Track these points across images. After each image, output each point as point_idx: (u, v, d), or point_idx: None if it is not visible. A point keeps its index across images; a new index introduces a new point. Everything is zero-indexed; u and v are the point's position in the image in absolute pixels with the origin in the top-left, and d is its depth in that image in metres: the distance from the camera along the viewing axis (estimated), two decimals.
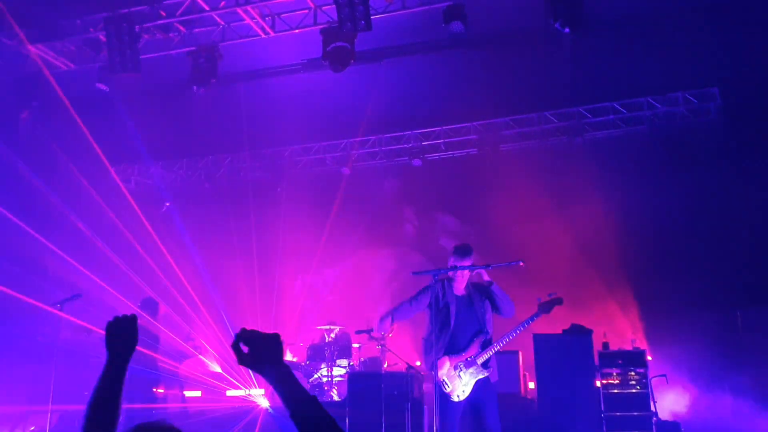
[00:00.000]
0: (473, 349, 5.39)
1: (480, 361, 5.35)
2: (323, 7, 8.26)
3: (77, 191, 9.51)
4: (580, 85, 9.61)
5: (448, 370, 5.39)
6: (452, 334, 5.48)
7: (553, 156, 9.85)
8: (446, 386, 5.36)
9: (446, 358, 5.43)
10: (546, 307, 5.53)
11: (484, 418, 5.30)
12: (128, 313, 2.21)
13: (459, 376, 5.35)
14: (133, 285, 9.09)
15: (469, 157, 10.52)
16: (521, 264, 5.51)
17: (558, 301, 5.56)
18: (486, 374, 5.35)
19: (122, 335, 2.17)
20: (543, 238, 8.61)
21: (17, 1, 7.83)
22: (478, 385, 5.33)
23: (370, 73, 9.34)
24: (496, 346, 5.39)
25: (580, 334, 7.81)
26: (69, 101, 8.88)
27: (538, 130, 10.27)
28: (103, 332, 2.21)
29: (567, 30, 8.06)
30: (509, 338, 5.46)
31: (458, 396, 5.33)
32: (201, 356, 9.17)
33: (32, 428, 7.92)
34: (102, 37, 8.14)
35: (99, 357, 2.22)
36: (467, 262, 5.46)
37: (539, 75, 9.40)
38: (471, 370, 5.35)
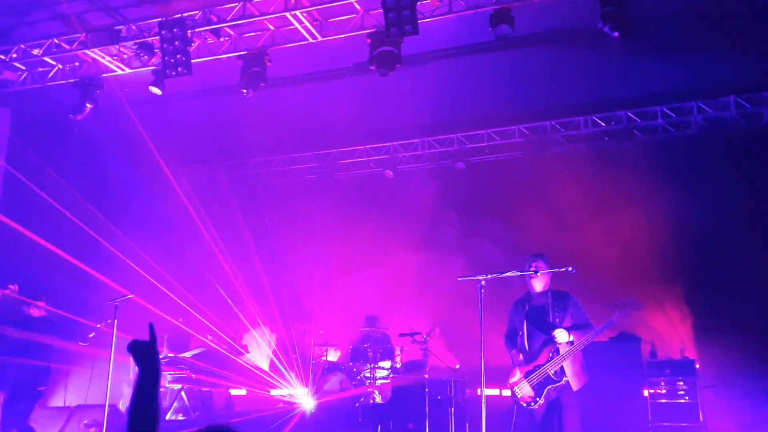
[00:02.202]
0: (543, 357, 5.36)
1: (550, 370, 5.30)
2: (370, 12, 8.30)
3: (133, 192, 9.78)
4: (628, 89, 9.47)
5: (519, 378, 5.39)
6: (523, 341, 5.50)
7: (601, 160, 9.69)
8: (518, 394, 5.36)
9: (518, 367, 5.45)
10: (625, 312, 5.37)
11: (560, 424, 5.28)
12: (146, 338, 2.31)
13: (529, 384, 5.34)
14: (185, 284, 9.30)
15: (514, 161, 10.45)
16: (570, 270, 5.47)
17: (638, 307, 5.39)
18: (559, 382, 5.29)
19: (144, 354, 2.25)
20: (590, 243, 8.49)
21: (77, 7, 8.09)
22: (554, 393, 5.29)
23: (415, 77, 9.35)
24: (568, 355, 5.31)
25: (627, 342, 7.71)
26: (122, 104, 9.15)
27: (585, 134, 10.13)
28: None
29: (616, 34, 7.94)
30: (581, 346, 5.36)
31: (532, 404, 5.31)
32: (248, 354, 9.32)
33: (85, 422, 8.15)
34: (155, 42, 8.34)
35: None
36: (539, 266, 5.43)
37: (586, 78, 9.28)
38: (540, 378, 5.32)
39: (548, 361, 5.31)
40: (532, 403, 5.32)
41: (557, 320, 5.40)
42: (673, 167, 9.25)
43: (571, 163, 9.74)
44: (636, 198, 9.07)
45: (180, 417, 8.96)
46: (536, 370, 5.33)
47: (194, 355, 9.39)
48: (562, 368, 5.30)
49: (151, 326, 2.33)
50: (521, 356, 5.49)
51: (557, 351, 5.32)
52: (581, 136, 10.15)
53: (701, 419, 7.37)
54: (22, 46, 8.88)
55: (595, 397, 7.31)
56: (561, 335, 5.28)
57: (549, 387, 5.28)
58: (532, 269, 5.47)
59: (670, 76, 9.06)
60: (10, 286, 7.17)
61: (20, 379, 7.22)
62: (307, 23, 8.26)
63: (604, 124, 10.04)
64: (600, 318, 5.48)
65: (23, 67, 9.21)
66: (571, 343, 5.29)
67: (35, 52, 8.85)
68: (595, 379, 7.35)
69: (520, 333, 5.56)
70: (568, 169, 9.48)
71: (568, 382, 5.29)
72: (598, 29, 7.84)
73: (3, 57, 8.88)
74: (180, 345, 9.98)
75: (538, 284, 5.56)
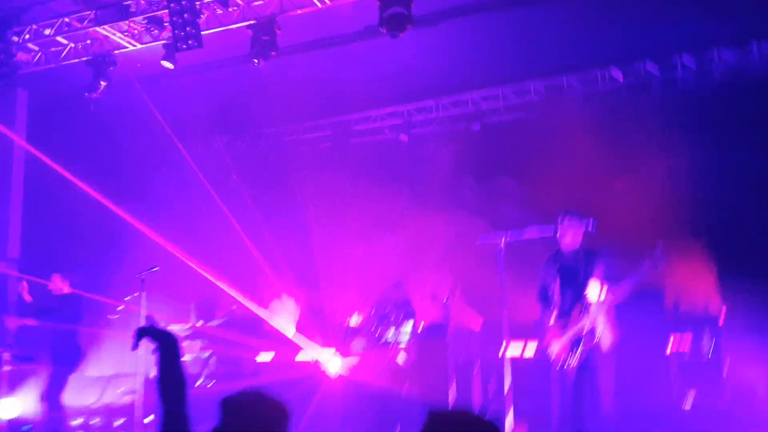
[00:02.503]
0: (575, 316, 5.35)
1: (582, 329, 5.29)
2: None
3: (151, 166, 9.88)
4: (648, 38, 9.20)
5: (553, 337, 5.40)
6: (555, 300, 5.51)
7: (620, 115, 9.51)
8: (552, 354, 5.38)
9: (549, 326, 5.45)
10: (655, 262, 5.29)
11: (592, 382, 5.32)
12: (152, 324, 2.51)
13: (562, 344, 5.34)
14: (206, 257, 9.43)
15: (531, 120, 10.29)
16: (590, 229, 5.45)
17: (667, 258, 5.32)
18: (592, 341, 5.29)
19: (152, 335, 2.39)
20: (612, 199, 8.38)
21: None
22: (588, 351, 5.30)
23: (427, 37, 9.20)
24: (599, 313, 5.28)
25: (650, 296, 7.64)
26: (135, 80, 9.18)
27: (603, 89, 9.91)
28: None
29: None
30: (613, 303, 5.32)
31: (566, 364, 5.32)
32: (273, 322, 9.48)
33: (121, 389, 8.43)
34: (165, 15, 8.31)
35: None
36: (569, 227, 5.39)
37: (605, 28, 9.03)
38: (573, 338, 5.31)
39: (580, 320, 5.30)
40: (566, 362, 5.33)
41: (588, 278, 5.37)
42: (694, 119, 9.04)
43: (589, 119, 9.57)
44: (657, 152, 8.90)
45: (211, 383, 9.21)
46: (569, 330, 5.32)
47: (221, 323, 9.60)
48: (594, 327, 5.29)
49: (149, 317, 2.53)
50: (553, 316, 5.47)
51: (588, 309, 5.30)
52: (599, 91, 9.93)
53: (725, 372, 7.35)
54: (34, 26, 8.90)
55: (619, 353, 7.36)
56: (592, 293, 5.25)
57: (581, 346, 5.29)
58: (558, 228, 5.45)
59: (690, 24, 8.78)
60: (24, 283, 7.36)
61: (56, 354, 7.49)
62: None
63: (621, 78, 9.81)
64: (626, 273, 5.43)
65: (36, 48, 9.25)
66: (604, 300, 5.25)
67: (47, 32, 8.87)
68: (618, 334, 7.41)
69: (552, 292, 5.54)
70: (586, 126, 9.32)
71: (599, 341, 5.29)
72: None
73: (16, 38, 8.92)
74: (207, 314, 10.19)
75: (569, 242, 5.51)
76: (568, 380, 5.35)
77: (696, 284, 8.43)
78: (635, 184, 8.91)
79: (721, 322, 7.58)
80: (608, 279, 5.36)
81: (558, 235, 5.48)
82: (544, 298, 5.65)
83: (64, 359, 7.51)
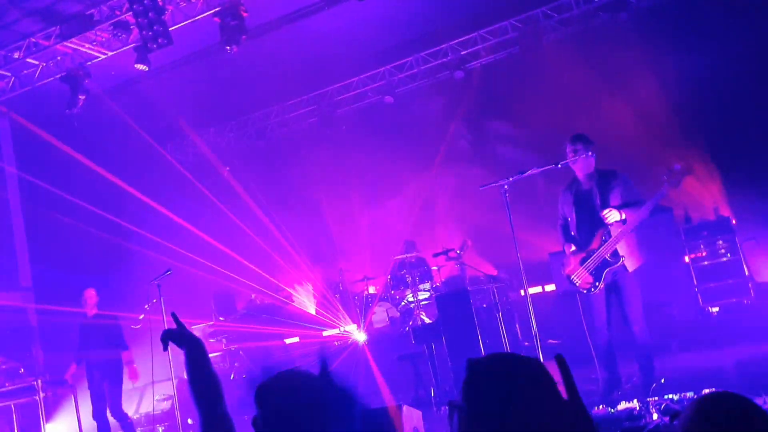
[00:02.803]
0: (596, 241, 5.34)
1: (605, 253, 5.28)
2: None
3: (141, 172, 9.85)
4: None
5: (574, 265, 5.40)
6: (576, 228, 5.50)
7: (600, 37, 9.39)
8: (576, 282, 5.39)
9: (571, 255, 5.45)
10: (674, 181, 5.21)
11: (622, 305, 5.34)
12: (177, 324, 2.40)
13: (586, 270, 5.35)
14: (212, 252, 9.47)
15: (512, 57, 10.17)
16: (591, 154, 5.41)
17: (687, 171, 5.22)
18: (617, 264, 5.29)
19: (179, 337, 2.36)
20: (605, 123, 8.33)
21: (43, 1, 7.93)
22: (612, 274, 5.31)
23: None
24: (621, 236, 5.26)
25: (660, 213, 7.65)
26: (112, 88, 9.08)
27: (578, 14, 9.75)
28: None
29: None
30: (634, 225, 5.28)
31: (592, 289, 5.34)
32: (293, 304, 9.55)
33: (157, 397, 8.53)
34: (129, 18, 8.17)
35: None
36: (579, 151, 5.35)
37: None
38: (597, 262, 5.32)
39: (602, 245, 5.28)
40: (592, 289, 5.34)
41: (606, 200, 5.34)
42: (674, 28, 8.92)
43: (570, 47, 9.46)
44: (642, 68, 8.82)
45: (243, 375, 9.31)
46: (591, 255, 5.32)
47: (242, 316, 9.66)
48: (616, 250, 5.28)
49: (173, 315, 2.44)
50: (573, 245, 5.46)
51: (609, 233, 5.29)
52: (575, 17, 9.77)
53: (747, 273, 7.40)
54: (2, 51, 8.79)
55: (643, 272, 7.39)
56: (611, 215, 5.21)
57: (606, 270, 5.29)
58: (568, 154, 5.40)
59: None
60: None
61: (110, 369, 7.59)
62: None
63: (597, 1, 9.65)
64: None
65: (9, 73, 9.15)
66: (624, 221, 5.23)
67: (16, 55, 8.77)
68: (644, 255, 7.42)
69: (571, 221, 5.53)
70: (568, 54, 9.22)
71: (624, 263, 5.28)
72: None
73: None
74: (227, 308, 10.26)
75: (581, 167, 5.46)
76: (598, 304, 5.37)
77: (703, 191, 8.44)
78: (627, 104, 8.85)
79: (733, 222, 7.59)
80: (627, 199, 5.32)
81: (569, 163, 5.40)
82: (565, 228, 5.62)
83: (115, 374, 7.61)
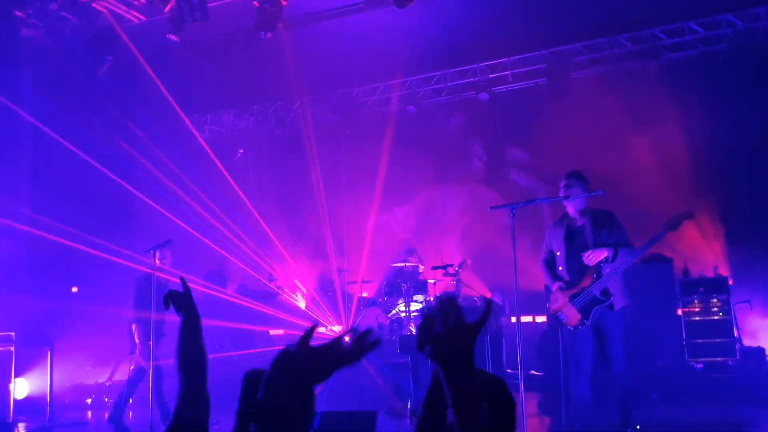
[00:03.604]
0: (587, 278, 5.32)
1: (596, 291, 5.28)
2: None
3: (155, 142, 9.86)
4: (653, 5, 9.13)
5: (563, 302, 5.38)
6: (564, 264, 5.48)
7: (627, 81, 9.48)
8: (564, 318, 5.36)
9: (559, 291, 5.42)
10: (672, 224, 5.19)
11: (605, 345, 5.32)
12: (180, 288, 2.32)
13: (575, 306, 5.32)
14: (212, 230, 9.48)
15: (539, 87, 10.25)
16: (601, 194, 5.44)
17: (687, 216, 5.22)
18: (606, 302, 5.29)
19: (182, 303, 2.29)
20: (619, 166, 8.40)
21: None
22: (599, 312, 5.30)
23: (432, 7, 9.13)
24: (612, 274, 5.27)
25: (660, 262, 7.72)
26: (142, 54, 9.12)
27: (610, 55, 9.86)
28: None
29: None
30: (627, 265, 5.30)
31: (579, 327, 5.32)
32: (285, 295, 9.56)
33: (132, 366, 8.51)
34: None
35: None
36: (572, 188, 5.37)
37: None
38: (587, 300, 5.31)
39: (593, 283, 5.28)
40: (580, 326, 5.34)
41: (598, 240, 5.35)
42: (703, 83, 9.01)
43: (597, 85, 9.54)
44: (664, 117, 8.90)
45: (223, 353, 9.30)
46: (581, 293, 5.31)
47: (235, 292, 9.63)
48: (607, 288, 5.29)
49: (182, 279, 2.36)
50: (562, 280, 5.45)
51: (600, 271, 5.30)
52: (606, 57, 9.89)
53: (736, 334, 7.43)
54: (38, 2, 8.83)
55: (630, 319, 7.43)
56: (599, 253, 5.24)
57: (595, 308, 5.29)
58: (561, 189, 5.43)
59: None
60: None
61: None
62: None
63: (629, 44, 9.76)
64: (638, 239, 5.43)
65: (41, 24, 9.18)
66: (609, 260, 5.25)
67: (52, 7, 8.80)
68: (630, 300, 7.47)
69: (559, 256, 5.52)
70: (594, 92, 9.30)
71: (611, 303, 5.30)
72: None
73: (20, 14, 8.85)
74: (219, 284, 10.26)
75: (575, 204, 5.48)
76: (584, 344, 5.36)
77: (705, 247, 8.49)
78: (644, 148, 8.92)
79: (730, 282, 7.63)
80: (618, 240, 5.35)
81: (564, 198, 5.43)
82: (550, 264, 5.61)
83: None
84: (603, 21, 9.45)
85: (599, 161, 8.62)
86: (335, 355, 1.58)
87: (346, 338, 1.50)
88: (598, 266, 5.27)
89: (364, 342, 1.49)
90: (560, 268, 5.49)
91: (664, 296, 7.66)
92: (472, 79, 10.59)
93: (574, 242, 5.44)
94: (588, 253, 5.24)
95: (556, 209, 5.90)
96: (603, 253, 5.22)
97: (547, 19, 9.24)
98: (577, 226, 5.47)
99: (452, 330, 1.41)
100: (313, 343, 1.47)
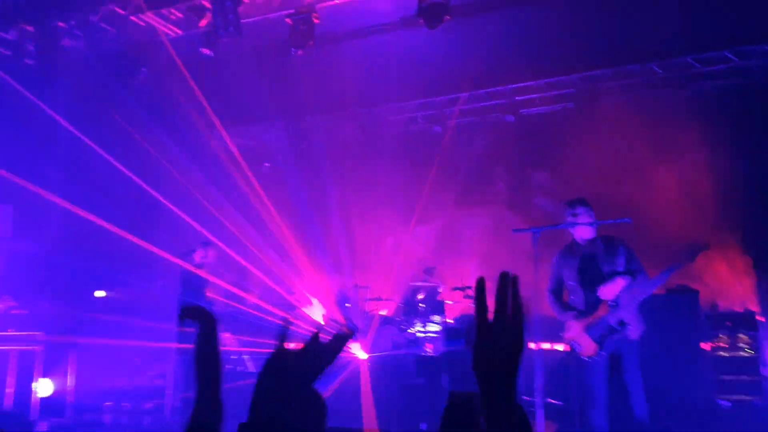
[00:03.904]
0: (603, 308, 5.23)
1: (612, 320, 5.18)
2: None
3: (183, 151, 10.04)
4: (688, 33, 9.04)
5: (578, 331, 5.28)
6: (577, 293, 5.39)
7: (656, 108, 9.38)
8: (579, 348, 5.27)
9: (574, 321, 5.33)
10: (689, 255, 5.16)
11: (622, 375, 5.21)
12: (192, 305, 2.36)
13: (591, 337, 5.23)
14: (236, 239, 9.57)
15: (566, 112, 10.20)
16: (628, 221, 5.35)
17: (703, 247, 5.19)
18: (622, 332, 5.19)
19: (195, 314, 2.30)
20: (647, 193, 8.29)
21: None
22: (615, 342, 5.20)
23: (463, 28, 9.18)
24: (629, 303, 5.19)
25: (686, 294, 7.55)
26: (175, 66, 9.32)
27: (641, 82, 9.78)
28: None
29: None
30: (645, 294, 5.22)
31: (595, 357, 5.23)
32: (303, 309, 9.56)
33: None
34: (206, 3, 8.42)
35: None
36: (581, 216, 5.32)
37: (643, 23, 8.90)
38: (603, 330, 5.21)
39: (610, 312, 5.19)
40: (596, 356, 5.24)
41: (613, 268, 5.26)
42: (733, 115, 8.86)
43: (625, 112, 9.45)
44: (693, 147, 8.77)
45: (238, 368, 9.33)
46: (597, 322, 5.22)
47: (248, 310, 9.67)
48: (623, 318, 5.20)
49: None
50: (575, 309, 5.36)
51: (617, 300, 5.20)
52: (636, 84, 9.80)
53: (763, 372, 7.22)
54: (80, 13, 9.09)
55: (654, 351, 7.25)
56: (615, 285, 5.15)
57: (611, 338, 5.20)
58: (568, 217, 5.36)
59: (735, 18, 8.60)
60: None
61: None
62: None
63: (661, 71, 9.66)
64: (660, 268, 5.33)
65: (81, 34, 9.44)
66: (628, 288, 5.16)
67: (92, 19, 9.05)
68: (653, 332, 7.30)
69: (572, 285, 5.43)
70: (622, 119, 9.22)
71: (629, 333, 5.20)
72: None
73: (63, 24, 9.11)
74: (236, 299, 10.31)
75: (586, 232, 5.40)
76: (599, 376, 5.26)
77: (734, 281, 8.29)
78: (670, 179, 8.79)
79: (759, 318, 7.43)
80: (632, 267, 5.25)
81: (589, 224, 5.35)
82: (558, 294, 5.51)
83: None
84: (635, 47, 9.39)
85: (625, 188, 8.52)
86: (316, 352, 1.59)
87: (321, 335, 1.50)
88: (614, 295, 5.19)
89: (340, 336, 1.50)
90: (572, 298, 5.40)
91: (688, 329, 7.48)
92: (498, 101, 10.57)
93: (588, 271, 5.35)
94: (603, 287, 5.15)
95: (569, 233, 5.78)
96: (619, 284, 5.13)
97: (577, 44, 9.22)
98: (589, 254, 5.39)
99: (509, 320, 1.25)
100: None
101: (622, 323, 5.18)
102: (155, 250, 8.33)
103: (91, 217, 8.47)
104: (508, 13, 9.20)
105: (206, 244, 6.74)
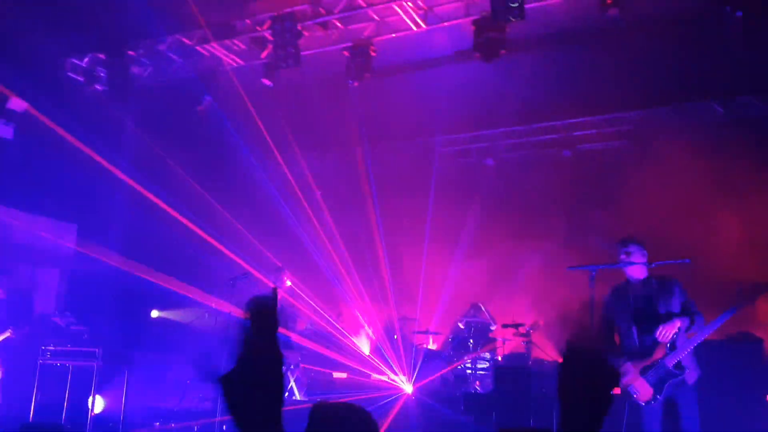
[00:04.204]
0: (659, 351, 5.07)
1: (669, 364, 5.03)
2: None
3: (250, 175, 10.29)
4: (750, 70, 8.81)
5: (634, 375, 5.13)
6: (635, 336, 5.25)
7: (718, 147, 9.12)
8: (635, 393, 5.12)
9: (629, 363, 5.18)
10: (749, 297, 4.98)
11: (679, 423, 5.04)
12: (268, 293, 2.20)
13: (647, 381, 5.08)
14: (293, 266, 9.67)
15: (624, 148, 10.03)
16: (687, 262, 5.20)
17: (764, 288, 5.02)
18: (679, 376, 5.03)
19: (262, 313, 2.09)
20: (708, 234, 8.03)
21: (199, 4, 8.55)
22: (671, 387, 5.05)
23: (519, 62, 9.17)
24: (687, 347, 5.03)
25: (748, 343, 7.23)
26: (235, 95, 9.61)
27: (701, 120, 9.54)
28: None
29: (739, 13, 7.46)
30: (703, 337, 5.05)
31: (651, 402, 5.08)
32: (352, 338, 9.57)
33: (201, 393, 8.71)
34: (267, 35, 8.69)
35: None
36: (633, 254, 5.21)
37: (704, 60, 8.73)
38: (660, 374, 5.06)
39: (666, 355, 5.03)
40: (652, 401, 5.07)
41: (669, 309, 5.10)
42: None
43: (685, 151, 9.22)
44: (755, 186, 8.48)
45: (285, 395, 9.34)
46: (654, 366, 5.05)
47: (307, 333, 9.74)
48: (680, 361, 5.02)
49: (274, 290, 2.33)
50: (628, 352, 5.21)
51: (675, 343, 5.03)
52: (696, 123, 9.57)
53: None
54: (149, 41, 9.50)
55: (713, 400, 6.92)
56: (672, 327, 4.99)
57: (668, 382, 5.02)
58: (621, 255, 5.23)
59: None
60: None
61: None
62: (412, 12, 8.32)
63: (723, 110, 9.41)
64: (720, 310, 5.14)
65: (149, 62, 9.86)
66: (687, 331, 5.00)
67: (160, 48, 9.45)
68: (713, 380, 6.97)
69: (625, 327, 5.27)
70: (682, 158, 8.99)
71: (685, 376, 5.02)
72: (720, 10, 7.42)
73: (132, 53, 9.54)
74: (286, 322, 10.38)
75: (640, 271, 5.26)
76: (653, 419, 5.08)
77: None
78: (730, 219, 8.50)
79: None
80: (688, 309, 5.08)
81: (648, 264, 5.21)
82: (610, 334, 5.36)
83: None
84: (695, 84, 9.20)
85: (683, 229, 8.28)
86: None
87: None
88: (672, 337, 5.03)
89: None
90: (625, 342, 5.24)
91: (752, 380, 7.13)
92: (555, 136, 10.48)
93: (643, 312, 5.20)
94: (660, 329, 5.00)
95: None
96: (676, 325, 4.97)
97: (635, 80, 9.09)
98: (643, 295, 5.24)
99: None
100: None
101: (679, 366, 5.00)
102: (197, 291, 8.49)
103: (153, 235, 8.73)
104: (564, 49, 9.16)
105: (278, 270, 6.90)
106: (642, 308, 5.19)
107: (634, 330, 5.20)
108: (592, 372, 1.33)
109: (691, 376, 5.02)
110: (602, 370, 1.34)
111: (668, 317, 5.03)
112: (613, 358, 5.28)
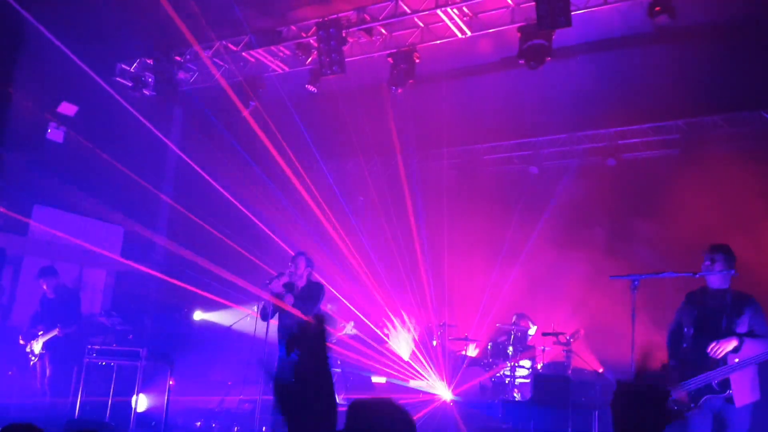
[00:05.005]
0: (709, 364, 4.96)
1: (714, 379, 4.90)
2: (521, 5, 8.21)
3: (284, 183, 10.43)
4: None
5: (680, 386, 5.03)
6: (691, 344, 5.14)
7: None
8: (676, 404, 5.02)
9: (674, 371, 5.08)
10: None
11: None
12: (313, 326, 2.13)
13: (685, 388, 4.98)
14: (333, 271, 9.77)
15: (670, 158, 9.84)
16: (734, 274, 5.08)
17: None
18: (722, 394, 4.89)
19: (311, 341, 2.10)
20: (756, 247, 7.79)
21: (245, 11, 8.74)
22: (718, 404, 4.91)
23: (564, 70, 9.10)
24: (738, 367, 4.88)
25: None
26: (281, 101, 9.77)
27: (751, 130, 9.31)
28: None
29: None
30: (761, 359, 4.89)
31: (684, 409, 4.97)
32: (392, 343, 9.58)
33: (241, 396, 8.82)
34: (312, 42, 8.81)
35: None
36: (718, 263, 5.09)
37: (754, 69, 8.51)
38: (700, 385, 4.94)
39: (714, 369, 4.90)
40: (685, 410, 4.96)
41: (733, 324, 4.96)
42: None
43: (734, 162, 8.99)
44: None
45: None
46: (697, 376, 4.94)
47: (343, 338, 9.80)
48: (728, 380, 4.87)
49: (317, 317, 2.11)
50: (684, 357, 5.10)
51: (725, 360, 4.89)
52: (746, 132, 9.33)
53: None
54: (195, 47, 9.74)
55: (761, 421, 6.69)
56: (725, 344, 4.86)
57: (707, 396, 4.89)
58: (705, 261, 5.13)
59: None
60: None
61: None
62: (457, 19, 8.34)
63: None
64: None
65: (195, 68, 10.10)
66: (737, 351, 4.85)
67: (206, 53, 9.68)
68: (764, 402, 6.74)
69: (687, 332, 5.16)
70: (730, 169, 8.77)
71: (732, 396, 4.85)
72: None
73: (179, 59, 9.80)
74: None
75: (717, 280, 5.14)
76: (691, 428, 4.96)
77: None
78: None
79: None
80: (756, 329, 4.92)
81: (705, 271, 5.09)
82: (675, 336, 5.24)
83: None
84: (744, 94, 8.98)
85: (729, 241, 8.00)
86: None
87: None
88: (723, 354, 4.89)
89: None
90: (685, 345, 5.14)
91: None
92: (599, 144, 10.34)
93: (706, 323, 5.06)
94: (713, 345, 4.87)
95: (680, 286, 5.52)
96: (729, 344, 4.83)
97: (683, 89, 8.92)
98: (712, 306, 5.10)
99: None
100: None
101: (723, 385, 4.84)
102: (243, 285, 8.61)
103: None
104: (611, 56, 9.05)
105: (296, 255, 6.94)
106: (707, 318, 5.07)
107: (693, 339, 5.09)
108: (644, 412, 1.34)
109: (739, 398, 4.84)
110: (655, 409, 1.35)
111: (727, 333, 4.90)
112: (670, 356, 5.18)
